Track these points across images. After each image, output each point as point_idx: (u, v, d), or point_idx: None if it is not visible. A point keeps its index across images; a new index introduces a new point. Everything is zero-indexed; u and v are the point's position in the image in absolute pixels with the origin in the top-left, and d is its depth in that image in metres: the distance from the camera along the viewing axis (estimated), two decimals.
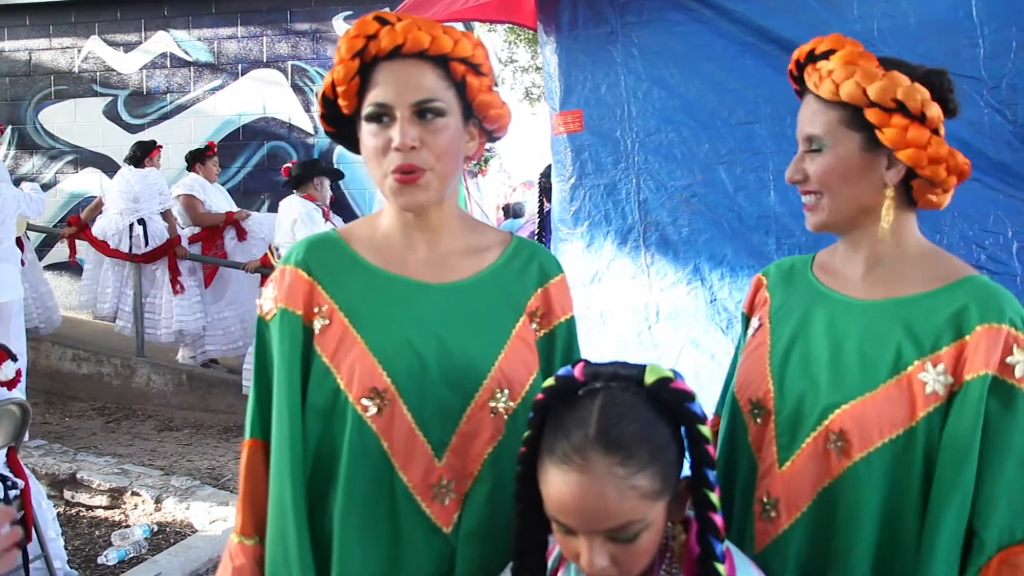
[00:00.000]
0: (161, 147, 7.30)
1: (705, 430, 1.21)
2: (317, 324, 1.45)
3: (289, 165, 7.03)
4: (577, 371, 1.27)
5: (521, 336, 1.49)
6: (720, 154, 2.37)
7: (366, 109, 1.40)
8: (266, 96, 8.69)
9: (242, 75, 8.78)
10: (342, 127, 1.50)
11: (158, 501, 4.93)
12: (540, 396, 1.30)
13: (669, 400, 1.20)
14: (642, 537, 1.17)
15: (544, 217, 4.60)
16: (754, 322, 1.60)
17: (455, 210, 1.54)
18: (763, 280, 1.65)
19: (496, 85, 1.56)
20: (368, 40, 1.39)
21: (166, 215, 6.96)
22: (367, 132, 1.41)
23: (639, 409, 1.20)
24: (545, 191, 4.73)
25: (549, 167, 5.01)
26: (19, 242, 6.05)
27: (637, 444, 1.16)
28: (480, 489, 1.44)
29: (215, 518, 4.67)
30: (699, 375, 2.42)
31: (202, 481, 5.29)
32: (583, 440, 1.18)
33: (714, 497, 1.22)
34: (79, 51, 9.09)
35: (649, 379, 1.21)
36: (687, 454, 1.25)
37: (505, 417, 1.44)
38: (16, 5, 9.07)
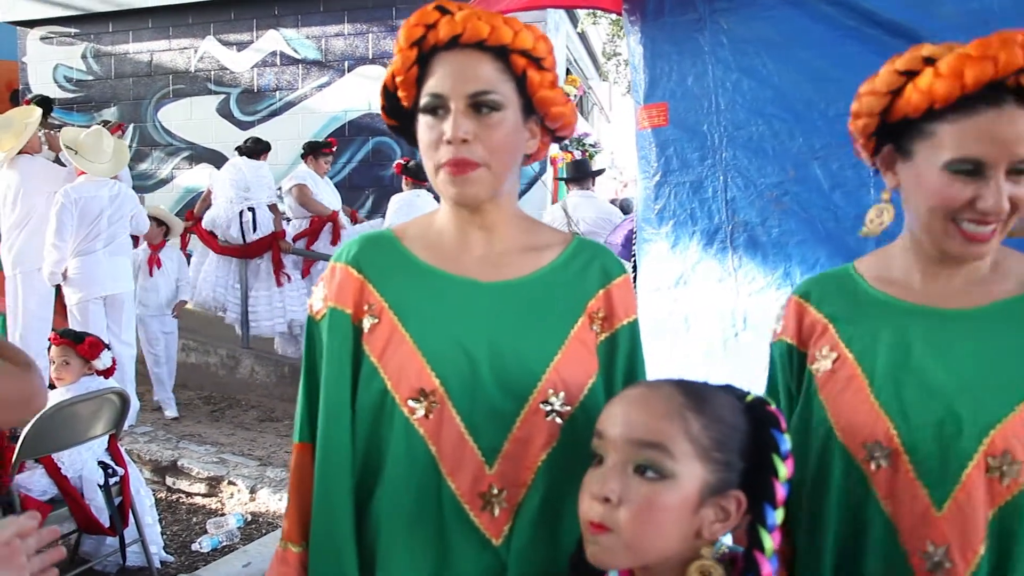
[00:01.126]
0: (271, 149, 7.47)
1: (780, 465, 1.14)
2: (366, 323, 1.40)
3: (401, 161, 7.13)
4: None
5: (580, 338, 1.41)
6: (815, 149, 2.19)
7: (422, 100, 1.35)
8: (371, 93, 8.77)
9: (348, 72, 8.90)
10: (403, 120, 1.45)
11: (253, 491, 5.01)
12: None
13: (760, 417, 1.17)
14: (666, 486, 1.10)
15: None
16: (821, 355, 1.43)
17: (513, 209, 1.47)
18: (805, 304, 1.50)
19: (558, 81, 1.46)
20: (427, 29, 1.33)
21: (273, 208, 7.12)
22: (423, 124, 1.36)
23: (729, 402, 1.18)
24: None
25: None
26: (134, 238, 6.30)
27: (707, 400, 1.15)
28: (533, 499, 1.36)
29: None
30: None
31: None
32: (661, 380, 1.19)
33: (767, 539, 1.12)
34: (195, 51, 9.40)
35: (749, 398, 1.21)
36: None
37: (560, 422, 1.35)
38: (140, 9, 9.45)
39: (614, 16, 10.46)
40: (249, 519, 4.71)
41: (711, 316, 2.32)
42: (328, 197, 7.41)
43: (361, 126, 8.84)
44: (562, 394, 1.35)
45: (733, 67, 2.27)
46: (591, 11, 10.71)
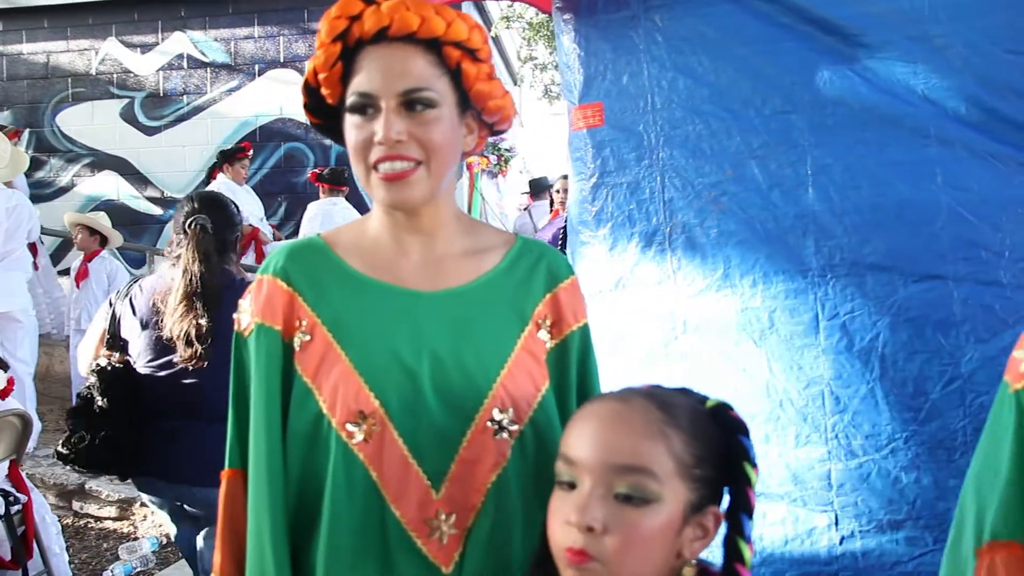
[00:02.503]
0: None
1: (751, 472, 1.11)
2: (298, 340, 1.29)
3: (316, 171, 6.95)
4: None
5: (527, 348, 1.33)
6: (753, 148, 2.15)
7: (349, 99, 1.25)
8: (283, 97, 8.57)
9: (259, 76, 8.67)
10: (328, 118, 1.35)
11: None
12: None
13: (724, 424, 1.14)
14: (651, 510, 1.03)
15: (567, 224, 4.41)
16: None
17: (452, 210, 1.38)
18: None
19: (495, 73, 1.37)
20: (351, 21, 1.23)
21: None
22: (350, 124, 1.26)
23: (697, 410, 1.14)
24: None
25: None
26: (33, 247, 5.96)
27: (681, 412, 1.10)
28: (483, 523, 1.27)
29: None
30: (729, 390, 2.21)
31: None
32: (630, 390, 1.14)
33: (746, 550, 1.08)
34: (96, 53, 9.03)
35: (710, 403, 1.17)
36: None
37: (510, 440, 1.28)
38: (34, 8, 9.02)
39: (530, 19, 10.47)
40: (164, 542, 4.48)
41: (650, 319, 2.26)
42: (250, 206, 7.12)
43: (273, 131, 8.61)
44: (510, 410, 1.28)
45: (668, 65, 2.22)
46: (504, 16, 10.69)
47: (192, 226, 2.77)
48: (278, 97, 8.57)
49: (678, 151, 2.21)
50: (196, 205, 2.88)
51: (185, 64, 8.81)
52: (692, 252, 2.20)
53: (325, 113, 1.34)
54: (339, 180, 6.73)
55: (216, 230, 2.79)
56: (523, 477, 1.28)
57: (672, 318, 2.24)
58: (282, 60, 8.60)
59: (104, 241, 6.39)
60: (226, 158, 7.03)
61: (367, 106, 1.23)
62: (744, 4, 2.18)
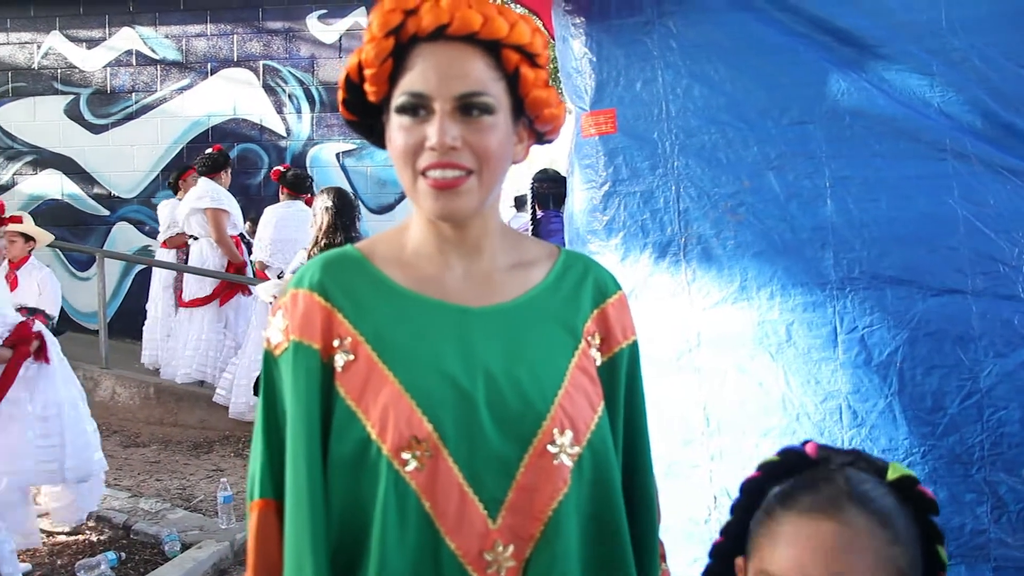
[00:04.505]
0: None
1: (944, 555, 1.04)
2: (339, 360, 1.20)
3: (280, 168, 6.73)
4: (809, 448, 1.11)
5: (581, 366, 1.26)
6: (770, 158, 2.12)
7: (398, 99, 1.17)
8: (237, 96, 8.38)
9: (211, 74, 8.46)
10: (366, 116, 1.27)
11: (126, 527, 4.60)
12: (756, 474, 1.13)
13: (914, 504, 1.06)
14: None
15: (536, 224, 4.36)
16: None
17: (497, 222, 1.30)
18: None
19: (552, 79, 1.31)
20: (407, 15, 1.15)
21: None
22: (398, 126, 1.17)
23: (897, 505, 1.05)
24: (538, 197, 4.48)
25: (543, 171, 4.79)
26: None
27: (895, 515, 1.02)
28: (543, 554, 1.19)
29: (187, 544, 4.36)
30: (745, 404, 2.18)
31: (172, 503, 4.98)
32: (836, 492, 1.02)
33: None
34: (39, 47, 8.71)
35: (892, 475, 1.08)
36: None
37: (570, 465, 1.20)
38: None
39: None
40: (124, 557, 4.30)
41: (664, 332, 2.21)
42: (238, 221, 6.90)
43: (226, 131, 8.41)
44: (569, 433, 1.20)
45: (684, 72, 2.18)
46: None
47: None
48: (231, 97, 8.36)
49: (694, 160, 2.17)
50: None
51: (134, 61, 8.55)
52: (708, 263, 2.16)
53: (364, 111, 1.26)
54: (300, 187, 6.52)
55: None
56: (582, 504, 1.22)
57: (686, 330, 2.20)
58: (236, 59, 8.40)
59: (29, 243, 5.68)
60: (220, 166, 6.72)
61: (419, 107, 1.15)
62: (760, 13, 2.15)
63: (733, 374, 2.17)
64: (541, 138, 1.31)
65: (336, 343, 1.21)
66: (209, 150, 6.85)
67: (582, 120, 2.30)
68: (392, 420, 1.15)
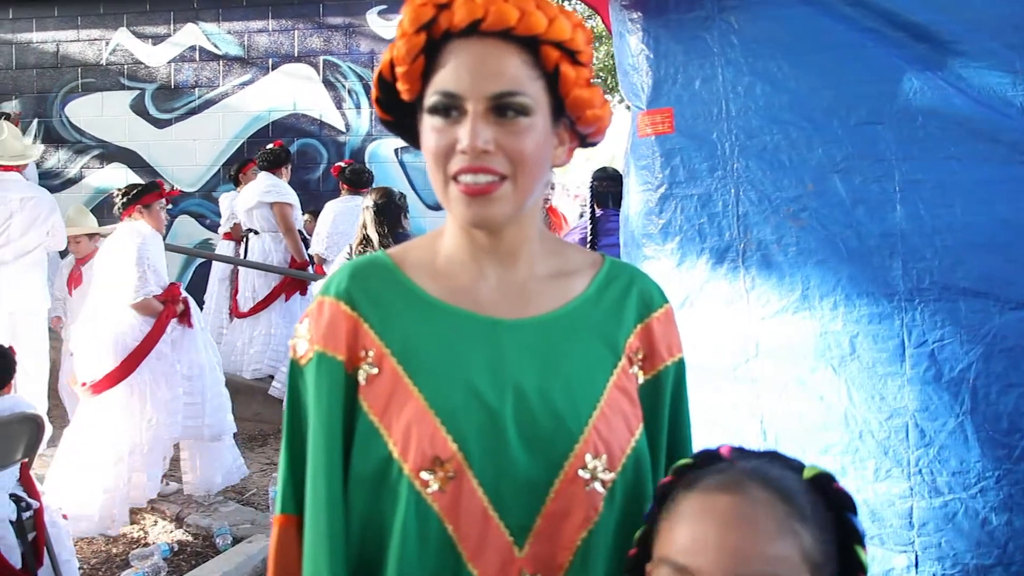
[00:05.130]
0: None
1: (863, 556, 0.97)
2: (363, 373, 1.16)
3: (341, 164, 6.75)
4: (723, 450, 1.05)
5: (620, 385, 1.18)
6: (836, 160, 2.01)
7: (430, 98, 1.10)
8: (297, 92, 8.42)
9: (272, 70, 8.52)
10: (401, 115, 1.20)
11: (179, 518, 4.65)
12: (669, 479, 1.05)
13: (832, 499, 1.00)
14: None
15: (595, 224, 4.26)
16: None
17: (536, 229, 1.22)
18: None
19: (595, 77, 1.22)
20: (439, 10, 1.08)
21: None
22: (429, 127, 1.11)
23: (807, 490, 0.99)
24: (597, 195, 4.39)
25: (603, 169, 4.70)
26: None
27: (799, 495, 0.97)
28: None
29: (239, 537, 4.39)
30: (804, 419, 2.07)
31: (224, 496, 5.01)
32: (737, 474, 0.99)
33: None
34: (107, 43, 8.87)
35: (808, 473, 1.01)
36: None
37: (603, 492, 1.13)
38: None
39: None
40: (176, 548, 4.34)
41: (720, 341, 2.12)
42: (298, 215, 6.94)
43: (286, 127, 8.46)
44: (604, 457, 1.13)
45: (745, 70, 2.07)
46: None
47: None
48: (292, 92, 8.41)
49: (754, 162, 2.07)
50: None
51: (197, 56, 8.66)
52: (768, 271, 2.06)
53: (398, 110, 1.20)
54: (359, 183, 6.53)
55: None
56: (614, 534, 1.15)
57: (744, 340, 2.10)
58: (296, 54, 8.45)
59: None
60: (281, 161, 6.75)
61: (451, 108, 1.08)
62: (826, 7, 2.04)
63: (792, 387, 2.06)
64: (584, 141, 1.23)
65: (361, 354, 1.16)
66: (271, 145, 6.88)
67: (638, 119, 2.22)
68: (415, 438, 1.10)
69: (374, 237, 4.09)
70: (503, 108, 1.07)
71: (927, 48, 1.99)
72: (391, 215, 4.18)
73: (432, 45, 1.10)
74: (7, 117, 6.85)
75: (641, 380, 1.22)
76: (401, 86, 1.14)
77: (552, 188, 4.98)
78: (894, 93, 1.99)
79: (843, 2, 2.03)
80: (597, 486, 1.12)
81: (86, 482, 4.43)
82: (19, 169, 5.30)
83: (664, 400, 1.23)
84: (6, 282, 5.18)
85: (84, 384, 4.52)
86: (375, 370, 1.14)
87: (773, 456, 1.05)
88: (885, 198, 1.98)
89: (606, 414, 1.14)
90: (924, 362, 1.95)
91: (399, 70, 1.13)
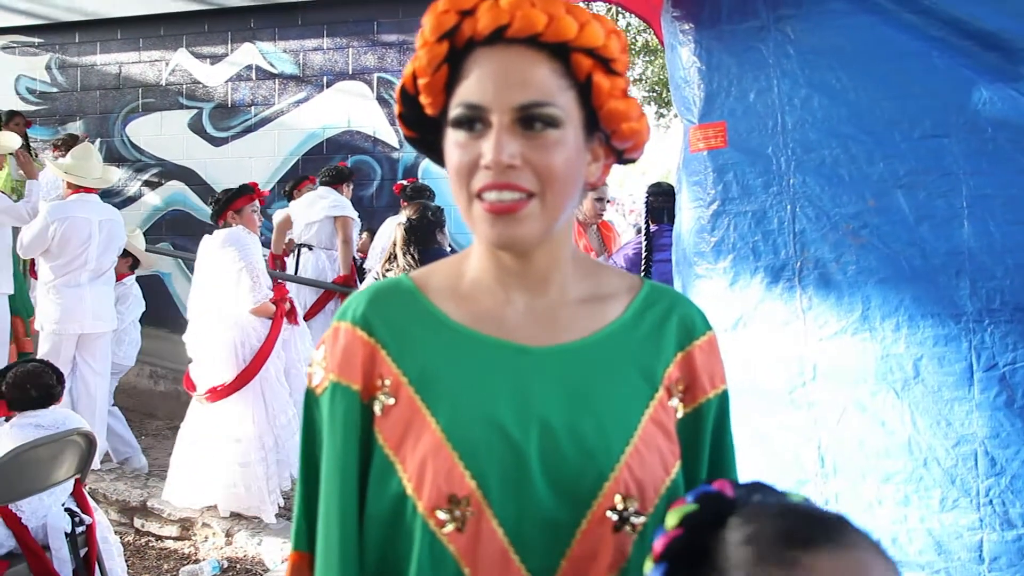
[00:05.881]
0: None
1: None
2: (379, 403, 1.08)
3: (403, 183, 6.77)
4: (726, 489, 0.95)
5: (657, 419, 1.09)
6: (898, 175, 1.92)
7: (453, 111, 1.04)
8: (351, 109, 8.48)
9: (327, 87, 8.59)
10: (426, 131, 1.14)
11: (229, 535, 4.66)
12: (677, 532, 0.92)
13: None
14: None
15: (650, 239, 4.18)
16: None
17: (568, 250, 1.14)
18: None
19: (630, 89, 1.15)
20: (462, 17, 1.02)
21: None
22: (452, 142, 1.04)
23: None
24: (652, 211, 4.32)
25: (657, 184, 4.63)
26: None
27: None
28: None
29: (287, 556, 4.38)
30: (865, 445, 1.98)
31: (275, 515, 5.01)
32: (820, 520, 0.86)
33: None
34: (167, 64, 9.04)
35: (795, 499, 0.94)
36: None
37: (633, 536, 1.04)
38: (109, 19, 9.08)
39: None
40: (226, 566, 4.36)
41: (774, 363, 2.04)
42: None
43: (340, 144, 8.52)
44: (635, 498, 1.04)
45: (802, 82, 2.00)
46: None
47: None
48: (346, 109, 8.47)
49: (812, 177, 1.98)
50: None
51: (254, 75, 8.78)
52: (826, 290, 1.97)
53: (423, 125, 1.13)
54: (421, 198, 6.56)
55: None
56: None
57: (800, 362, 2.01)
58: (351, 72, 8.51)
59: (135, 264, 6.12)
60: (344, 178, 6.81)
61: (475, 120, 1.02)
62: (889, 15, 1.95)
63: (852, 411, 1.97)
64: (621, 156, 1.15)
65: (378, 383, 1.09)
66: (335, 164, 6.95)
67: (690, 133, 2.15)
68: (430, 474, 1.02)
69: (399, 256, 4.06)
70: (530, 120, 1.00)
71: (997, 57, 1.90)
72: (424, 232, 4.19)
73: (455, 55, 1.04)
74: (76, 139, 7.02)
75: (681, 413, 1.13)
76: (424, 99, 1.08)
77: (609, 202, 4.90)
78: (961, 104, 1.89)
79: (907, 10, 1.94)
80: (627, 529, 1.04)
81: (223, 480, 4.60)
82: (97, 191, 5.42)
83: (705, 435, 1.15)
84: (80, 301, 5.29)
85: (213, 390, 4.60)
86: (391, 400, 1.08)
87: (760, 486, 0.97)
88: (952, 214, 1.88)
89: (640, 451, 1.06)
90: (994, 386, 1.85)
91: (421, 82, 1.07)
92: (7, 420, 3.57)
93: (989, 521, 1.87)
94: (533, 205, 1.01)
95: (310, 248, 6.77)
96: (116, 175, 5.61)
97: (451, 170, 1.05)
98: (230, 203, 4.87)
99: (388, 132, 8.39)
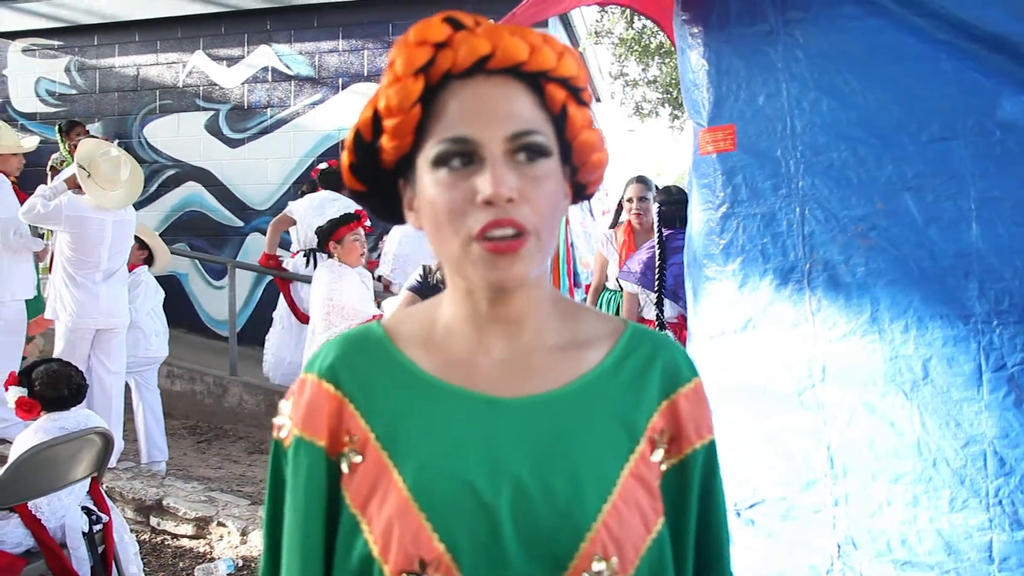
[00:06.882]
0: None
1: None
2: (346, 460, 1.02)
3: (323, 166, 6.77)
4: None
5: (637, 474, 1.01)
6: (907, 178, 1.93)
7: (434, 148, 0.95)
8: None
9: (342, 89, 8.64)
10: (378, 183, 1.05)
11: (244, 533, 4.70)
12: None
13: None
14: None
15: (663, 244, 4.20)
16: None
17: (546, 291, 1.07)
18: None
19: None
20: (437, 49, 0.95)
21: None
22: (434, 183, 0.96)
23: None
24: (664, 218, 4.32)
25: (667, 190, 4.63)
26: None
27: None
28: None
29: None
30: (874, 446, 1.99)
31: None
32: None
33: None
34: (184, 66, 9.12)
35: None
36: None
37: None
38: (127, 22, 9.17)
39: (620, 34, 10.27)
40: (240, 564, 4.39)
41: (784, 365, 2.05)
42: None
43: None
44: (614, 559, 0.96)
45: (811, 85, 2.01)
46: (593, 32, 10.51)
47: None
48: (360, 111, 8.52)
49: (820, 180, 2.00)
50: None
51: (270, 77, 8.84)
52: (835, 292, 1.98)
53: (376, 176, 1.04)
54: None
55: None
56: None
57: (809, 364, 2.03)
58: (366, 74, 8.57)
59: (150, 260, 6.01)
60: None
61: (462, 155, 0.94)
62: (897, 19, 1.97)
63: (861, 412, 1.98)
64: (581, 192, 1.09)
65: (345, 439, 1.02)
66: (324, 165, 6.97)
67: (699, 137, 2.17)
68: (396, 536, 0.96)
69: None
70: (522, 150, 0.94)
71: (1005, 60, 1.91)
72: None
73: (427, 91, 0.97)
74: (76, 125, 7.09)
75: (664, 467, 1.05)
76: (387, 143, 0.99)
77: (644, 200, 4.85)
78: (969, 107, 1.90)
79: (915, 14, 1.95)
80: None
81: None
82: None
83: (691, 489, 1.06)
84: (95, 298, 5.34)
85: None
86: (358, 458, 1.01)
87: None
88: (960, 216, 1.89)
89: (618, 508, 0.98)
90: (1003, 387, 1.86)
91: (389, 123, 0.97)
92: (33, 421, 3.61)
93: (999, 521, 1.88)
94: (531, 243, 0.95)
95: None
96: (136, 192, 5.48)
97: (436, 213, 0.96)
98: (332, 233, 4.81)
99: None
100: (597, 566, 0.95)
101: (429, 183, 0.96)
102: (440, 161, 0.95)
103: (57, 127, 7.58)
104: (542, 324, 1.05)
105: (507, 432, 0.99)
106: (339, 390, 1.04)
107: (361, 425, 1.02)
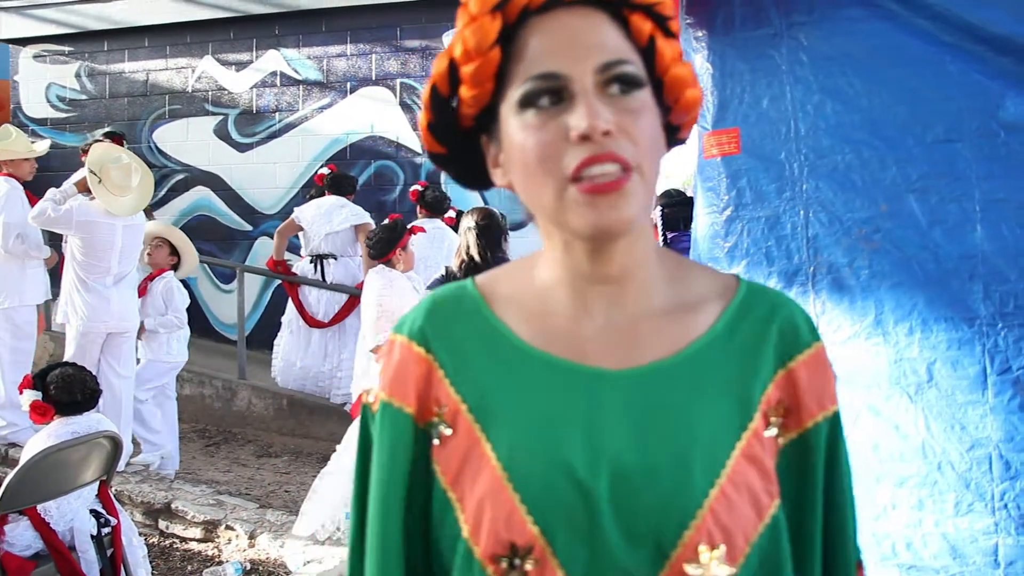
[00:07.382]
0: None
1: None
2: (436, 430, 0.95)
3: (418, 188, 6.78)
4: None
5: (750, 453, 0.92)
6: (911, 180, 1.94)
7: (519, 90, 0.88)
8: (374, 114, 8.54)
9: (350, 93, 8.66)
10: (458, 144, 0.99)
11: (252, 536, 4.71)
12: None
13: None
14: None
15: (668, 247, 4.19)
16: None
17: (651, 244, 0.96)
18: None
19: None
20: None
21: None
22: (521, 127, 0.88)
23: None
24: (667, 222, 4.31)
25: (667, 193, 4.62)
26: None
27: None
28: None
29: (310, 559, 4.42)
30: (879, 449, 1.99)
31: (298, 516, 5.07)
32: None
33: None
34: (193, 71, 9.15)
35: None
36: None
37: None
38: (137, 27, 9.21)
39: None
40: (248, 568, 4.41)
41: None
42: None
43: (363, 149, 8.59)
44: (721, 548, 0.87)
45: (815, 88, 2.02)
46: None
47: None
48: (369, 115, 8.54)
49: (824, 183, 2.00)
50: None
51: (278, 82, 8.87)
52: (839, 295, 1.99)
53: (454, 138, 0.98)
54: (438, 207, 6.52)
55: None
56: None
57: None
58: (374, 78, 8.58)
59: (178, 265, 5.92)
60: (353, 188, 6.93)
61: (551, 92, 0.87)
62: (901, 21, 1.97)
63: (866, 415, 1.98)
64: (673, 135, 0.99)
65: (435, 408, 0.95)
66: (326, 169, 7.01)
67: (704, 140, 2.17)
68: (488, 518, 0.89)
69: (478, 259, 3.76)
70: (616, 81, 0.87)
71: (1010, 61, 1.91)
72: (493, 237, 3.86)
73: (503, 33, 0.90)
74: (108, 135, 7.12)
75: (782, 443, 0.95)
76: (467, 92, 0.92)
77: None
78: (973, 109, 1.90)
79: (919, 16, 1.96)
80: None
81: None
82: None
83: (814, 468, 0.96)
84: (106, 302, 5.37)
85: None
86: (449, 429, 0.94)
87: None
88: (964, 218, 1.89)
89: (727, 493, 0.89)
90: (1008, 390, 1.85)
91: (467, 69, 0.91)
92: (46, 425, 3.63)
93: (1004, 525, 1.87)
94: (635, 179, 0.86)
95: (335, 258, 6.82)
96: (146, 198, 5.44)
97: (526, 159, 0.89)
98: (399, 241, 4.72)
99: (411, 138, 8.45)
100: (704, 556, 0.87)
101: (516, 128, 0.89)
102: (527, 102, 0.88)
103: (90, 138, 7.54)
104: (648, 284, 0.96)
105: (609, 408, 0.91)
106: (429, 354, 0.97)
107: (451, 395, 0.95)
